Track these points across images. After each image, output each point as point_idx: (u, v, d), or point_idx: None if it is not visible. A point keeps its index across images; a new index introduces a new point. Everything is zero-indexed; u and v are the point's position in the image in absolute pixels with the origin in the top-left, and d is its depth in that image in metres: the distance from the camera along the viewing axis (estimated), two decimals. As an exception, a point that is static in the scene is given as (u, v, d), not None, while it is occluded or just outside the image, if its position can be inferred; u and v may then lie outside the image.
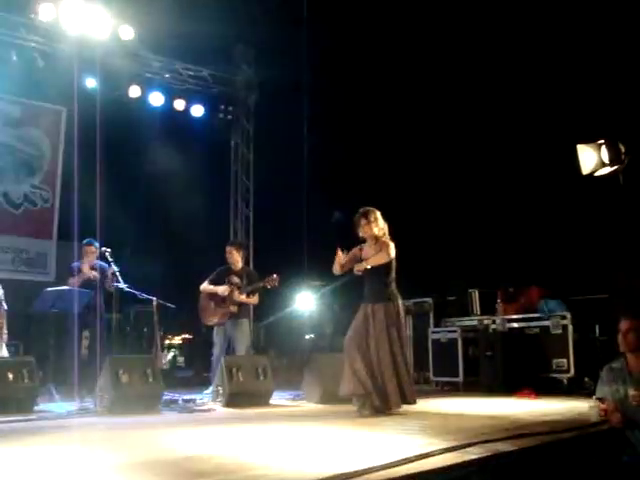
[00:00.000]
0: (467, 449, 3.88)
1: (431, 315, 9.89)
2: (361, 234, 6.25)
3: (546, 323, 8.36)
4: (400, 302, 6.20)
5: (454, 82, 10.55)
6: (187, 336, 12.89)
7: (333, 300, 11.60)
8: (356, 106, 11.46)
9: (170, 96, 10.99)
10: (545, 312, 8.46)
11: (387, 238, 6.21)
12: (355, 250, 6.32)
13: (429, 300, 9.99)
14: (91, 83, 10.10)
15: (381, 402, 5.84)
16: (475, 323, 9.16)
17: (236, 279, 7.79)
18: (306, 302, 11.76)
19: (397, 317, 6.10)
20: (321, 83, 10.96)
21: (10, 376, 6.03)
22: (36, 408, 6.15)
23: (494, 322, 8.72)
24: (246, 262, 11.58)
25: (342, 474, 3.19)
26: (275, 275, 7.59)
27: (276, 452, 3.97)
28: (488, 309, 9.14)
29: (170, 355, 12.93)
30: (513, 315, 8.79)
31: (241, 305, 7.80)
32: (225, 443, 4.39)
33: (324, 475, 3.16)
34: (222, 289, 7.71)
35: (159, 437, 4.68)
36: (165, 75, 10.82)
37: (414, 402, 6.03)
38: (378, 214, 6.26)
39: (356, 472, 3.22)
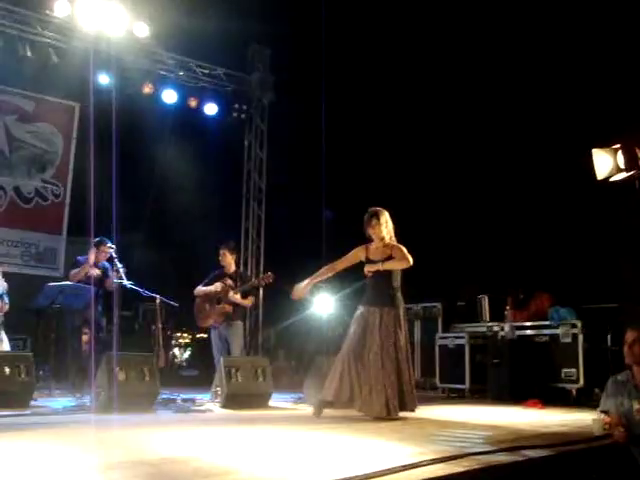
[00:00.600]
0: (457, 460, 3.75)
1: (440, 320, 9.79)
2: (370, 234, 6.14)
3: (556, 331, 8.20)
4: (403, 308, 6.10)
5: (472, 87, 10.40)
6: (200, 335, 12.85)
7: (343, 303, 11.49)
8: (371, 106, 11.35)
9: (184, 94, 10.97)
10: (555, 320, 8.29)
11: (393, 242, 6.11)
12: (358, 250, 6.20)
13: (438, 305, 9.89)
14: (104, 80, 10.09)
15: (381, 407, 5.72)
16: (484, 329, 9.03)
17: (230, 281, 7.82)
18: (322, 305, 11.64)
19: (402, 323, 6.01)
20: (337, 82, 10.86)
21: (7, 370, 6.00)
22: (33, 403, 6.12)
23: (503, 329, 8.57)
24: (256, 262, 11.62)
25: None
26: (270, 273, 7.61)
27: (262, 457, 3.87)
28: (498, 315, 8.99)
29: (187, 354, 12.92)
30: (523, 322, 8.64)
31: (236, 306, 7.81)
32: (212, 445, 4.30)
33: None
34: (215, 286, 7.74)
35: (146, 436, 4.60)
36: (179, 73, 10.79)
37: (413, 410, 5.91)
38: (387, 215, 6.17)
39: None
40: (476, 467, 3.61)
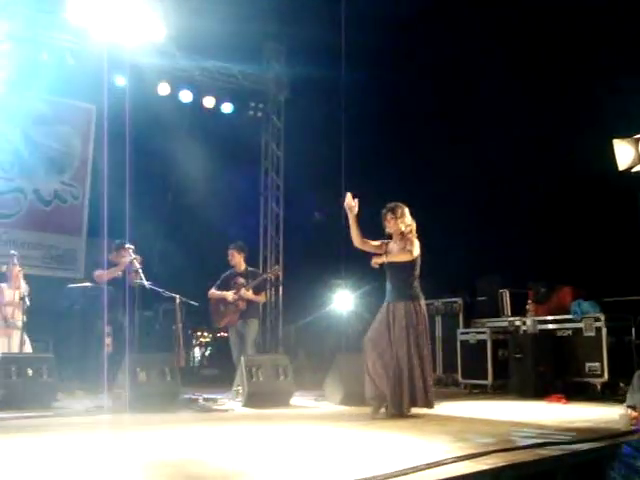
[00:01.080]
0: (482, 458, 3.70)
1: (460, 316, 9.71)
2: (387, 229, 6.12)
3: (579, 325, 8.11)
4: (423, 302, 6.03)
5: (485, 73, 10.30)
6: (221, 334, 12.87)
7: (363, 300, 11.45)
8: (388, 101, 11.29)
9: (200, 93, 10.98)
10: (578, 313, 8.20)
11: (413, 235, 6.06)
12: (381, 242, 6.17)
13: (459, 300, 9.80)
14: (121, 81, 10.12)
15: (395, 404, 5.70)
16: (505, 324, 8.95)
17: (242, 280, 7.93)
18: (342, 302, 11.61)
19: (418, 317, 5.92)
20: (353, 79, 10.80)
21: (30, 372, 6.06)
22: (55, 404, 6.15)
23: (525, 323, 8.49)
24: (275, 260, 11.61)
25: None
26: (277, 266, 7.65)
27: (284, 456, 3.85)
28: (519, 310, 8.90)
29: (207, 353, 12.94)
30: (545, 316, 8.54)
31: (250, 303, 7.90)
32: (234, 445, 4.29)
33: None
34: (229, 295, 7.87)
35: (168, 437, 4.61)
36: (195, 72, 10.79)
37: (428, 407, 5.85)
38: (406, 210, 6.11)
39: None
40: (501, 464, 3.56)
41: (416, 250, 5.96)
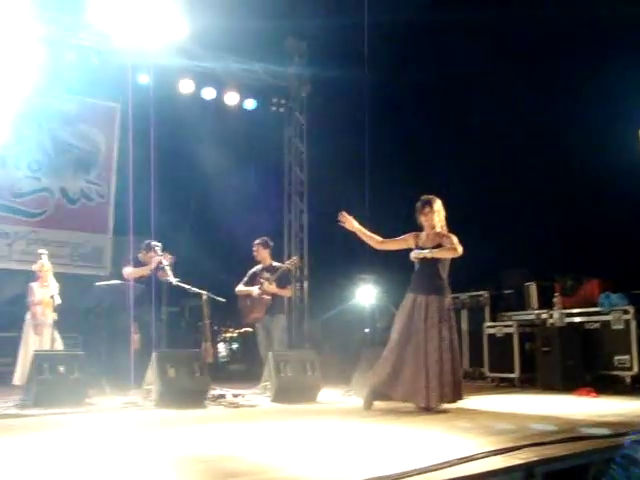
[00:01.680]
0: (514, 452, 3.69)
1: (487, 309, 9.67)
2: (422, 221, 6.06)
3: (607, 317, 8.04)
4: (450, 297, 6.04)
5: (509, 66, 10.21)
6: (247, 329, 12.92)
7: (388, 294, 11.43)
8: (410, 95, 11.24)
9: (222, 90, 11.01)
10: (606, 306, 8.11)
11: (445, 231, 6.05)
12: (408, 236, 6.14)
13: (485, 294, 9.76)
14: (144, 79, 10.18)
15: (424, 399, 5.69)
16: (532, 317, 8.90)
17: (267, 274, 8.01)
18: (365, 296, 11.60)
19: (449, 312, 5.94)
20: (376, 73, 10.76)
21: (61, 369, 6.13)
22: (87, 401, 6.22)
23: (552, 316, 8.43)
24: (300, 255, 11.62)
25: (377, 478, 3.07)
26: (295, 257, 7.76)
27: (316, 451, 3.87)
28: (546, 303, 8.84)
29: (234, 349, 13.01)
30: (572, 309, 8.47)
31: (275, 298, 7.98)
32: (265, 441, 4.32)
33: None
34: (253, 290, 7.97)
35: (199, 433, 4.65)
36: (217, 69, 10.82)
37: (456, 401, 5.85)
38: (440, 204, 6.10)
39: (389, 477, 3.08)
40: (534, 459, 3.55)
41: (460, 247, 5.92)
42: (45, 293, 7.72)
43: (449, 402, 5.80)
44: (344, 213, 6.10)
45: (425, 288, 5.93)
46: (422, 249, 5.96)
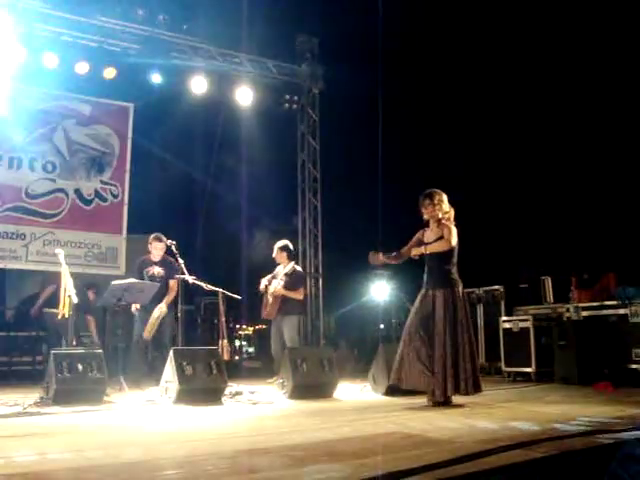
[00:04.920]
0: (533, 446, 3.69)
1: (502, 303, 9.63)
2: (425, 216, 6.14)
3: (624, 311, 7.97)
4: (461, 288, 6.03)
5: (532, 69, 10.16)
6: (261, 326, 12.98)
7: (402, 290, 11.43)
8: (423, 93, 11.21)
9: (234, 88, 11.02)
10: (623, 299, 8.05)
11: (451, 223, 6.05)
12: (418, 234, 6.22)
13: (500, 288, 9.73)
14: (157, 79, 10.21)
15: (439, 392, 5.72)
16: (548, 311, 8.85)
17: (283, 276, 8.28)
18: (380, 292, 11.60)
19: (456, 304, 5.93)
20: (389, 70, 10.75)
21: (79, 368, 6.17)
22: (105, 399, 6.26)
23: (568, 310, 8.39)
24: (314, 252, 11.63)
25: (398, 472, 3.07)
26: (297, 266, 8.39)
27: (340, 444, 3.88)
28: (562, 296, 8.80)
29: (249, 346, 13.08)
30: (588, 302, 8.42)
31: (287, 300, 8.23)
32: (280, 436, 4.34)
33: (375, 474, 3.05)
34: (269, 289, 8.29)
35: (218, 429, 4.68)
36: (229, 67, 10.84)
37: (473, 393, 5.82)
38: (444, 197, 6.11)
39: (413, 470, 3.09)
40: (553, 452, 3.54)
41: (454, 238, 5.94)
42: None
43: (466, 394, 5.79)
44: (371, 253, 6.25)
45: (431, 282, 6.02)
46: (426, 244, 6.04)
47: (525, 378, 8.62)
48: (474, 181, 10.43)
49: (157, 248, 7.95)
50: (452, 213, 6.11)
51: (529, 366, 8.56)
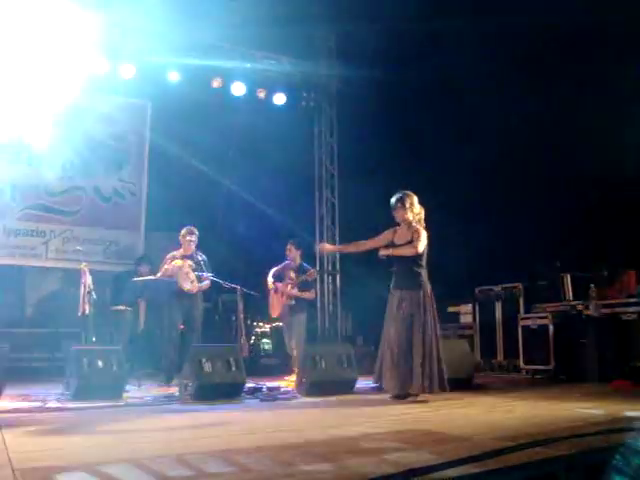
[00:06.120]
0: (554, 444, 3.67)
1: (521, 300, 9.58)
2: (395, 217, 6.28)
3: (645, 308, 7.90)
4: (429, 289, 6.14)
5: (538, 63, 10.09)
6: (278, 324, 12.96)
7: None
8: (437, 89, 11.15)
9: (252, 86, 11.05)
10: (644, 297, 7.99)
11: (421, 225, 6.20)
12: (387, 233, 6.32)
13: (519, 285, 9.67)
14: (174, 77, 10.27)
15: (396, 387, 5.90)
16: (567, 309, 8.78)
17: (293, 275, 8.29)
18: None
19: (423, 304, 6.04)
20: (405, 67, 10.70)
21: (100, 364, 6.24)
22: (125, 395, 6.32)
23: (587, 307, 8.33)
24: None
25: (419, 468, 3.07)
26: (312, 270, 8.29)
27: (361, 438, 3.89)
28: (581, 294, 8.72)
29: (266, 343, 13.07)
30: (608, 300, 8.36)
31: (297, 299, 8.29)
32: (301, 433, 4.35)
33: (396, 470, 3.05)
34: (270, 286, 8.39)
35: (237, 425, 4.70)
36: (246, 65, 10.86)
37: (439, 392, 5.92)
38: (415, 199, 6.27)
39: (432, 467, 3.09)
40: (575, 451, 3.52)
41: (422, 244, 6.07)
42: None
43: (431, 392, 5.89)
44: (318, 243, 6.41)
45: (399, 284, 6.16)
46: (394, 245, 6.16)
47: (544, 375, 8.58)
48: (491, 177, 10.36)
49: (192, 241, 7.96)
50: (422, 215, 6.27)
51: (548, 363, 8.53)
